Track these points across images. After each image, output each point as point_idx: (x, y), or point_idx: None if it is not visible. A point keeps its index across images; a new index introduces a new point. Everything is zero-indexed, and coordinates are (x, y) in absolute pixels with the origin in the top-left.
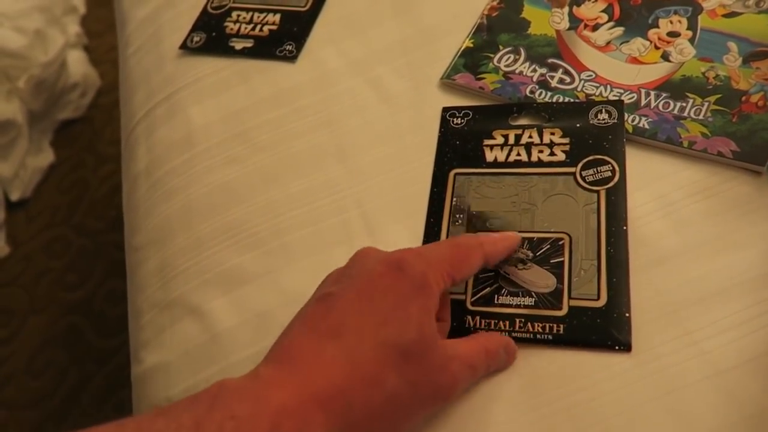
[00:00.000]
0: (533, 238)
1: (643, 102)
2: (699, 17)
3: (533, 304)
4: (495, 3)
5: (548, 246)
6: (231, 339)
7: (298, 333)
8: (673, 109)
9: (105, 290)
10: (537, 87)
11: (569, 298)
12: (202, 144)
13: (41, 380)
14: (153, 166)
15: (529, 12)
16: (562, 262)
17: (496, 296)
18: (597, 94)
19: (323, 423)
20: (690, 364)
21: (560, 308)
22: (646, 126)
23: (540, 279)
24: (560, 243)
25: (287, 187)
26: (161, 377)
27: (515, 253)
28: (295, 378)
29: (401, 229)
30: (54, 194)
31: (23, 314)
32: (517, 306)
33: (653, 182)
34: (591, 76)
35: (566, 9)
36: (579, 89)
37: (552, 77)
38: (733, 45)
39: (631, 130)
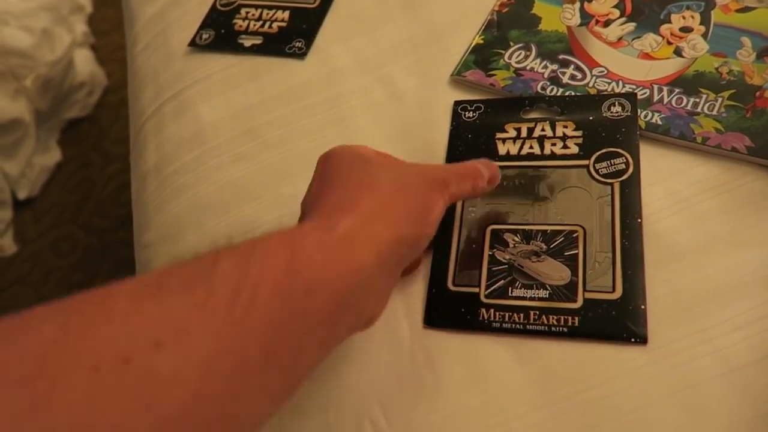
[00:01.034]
0: (547, 230)
1: (656, 98)
2: (712, 12)
3: (547, 296)
4: None
5: (562, 238)
6: None
7: (338, 190)
8: (686, 105)
9: None
10: (548, 83)
11: (584, 290)
12: (211, 141)
13: None
14: (162, 163)
15: (540, 8)
16: (577, 254)
17: (510, 289)
18: (609, 90)
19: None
20: (705, 360)
21: (575, 301)
22: (659, 122)
23: (554, 271)
24: (574, 235)
25: (297, 183)
26: None
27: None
28: (374, 224)
29: None
30: (61, 193)
31: None
32: (532, 299)
33: (667, 178)
34: (603, 72)
35: (577, 5)
36: (591, 85)
37: (563, 73)
38: (746, 40)
39: (644, 126)
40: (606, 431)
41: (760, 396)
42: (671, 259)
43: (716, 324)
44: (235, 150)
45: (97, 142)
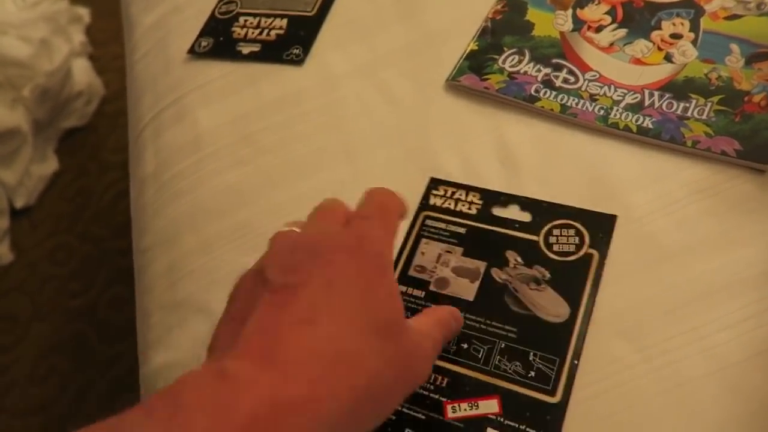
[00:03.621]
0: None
1: (647, 102)
2: (701, 19)
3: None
4: (499, 6)
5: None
6: None
7: (262, 326)
8: (677, 109)
9: (108, 297)
10: (542, 86)
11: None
12: (209, 147)
13: (45, 387)
14: (161, 169)
15: (533, 15)
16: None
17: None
18: (601, 93)
19: (304, 426)
20: (696, 359)
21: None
22: (650, 126)
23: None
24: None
25: (294, 188)
26: (169, 377)
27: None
28: (269, 375)
29: (405, 229)
30: (58, 202)
31: (27, 321)
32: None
33: (657, 181)
34: (595, 76)
35: (570, 11)
36: (583, 89)
37: (556, 77)
38: (735, 47)
39: (635, 130)
40: (597, 429)
41: (749, 393)
42: (662, 260)
43: (706, 323)
44: (233, 155)
45: (94, 152)
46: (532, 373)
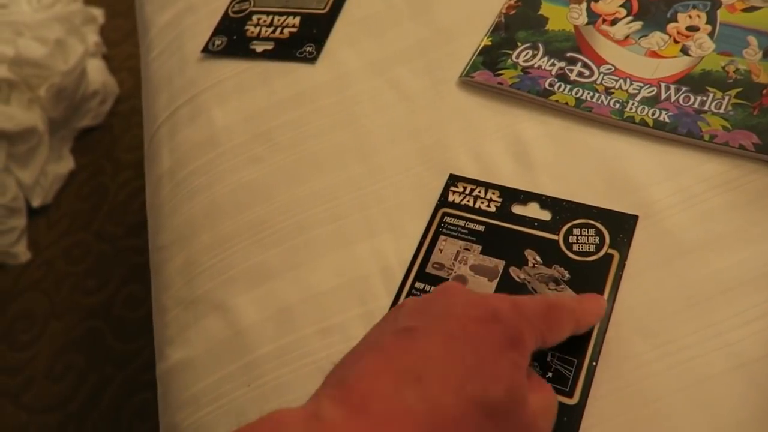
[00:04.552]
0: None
1: (663, 96)
2: (718, 12)
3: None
4: (513, 1)
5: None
6: (255, 334)
7: (372, 369)
8: (694, 103)
9: (124, 295)
10: (556, 80)
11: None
12: (224, 144)
13: (61, 384)
14: (177, 166)
15: (547, 9)
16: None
17: None
18: (616, 87)
19: None
20: (715, 355)
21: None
22: (667, 120)
23: None
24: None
25: (309, 184)
26: (186, 373)
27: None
28: (364, 427)
29: (422, 225)
30: (74, 201)
31: (44, 319)
32: None
33: (675, 176)
34: (610, 69)
35: (584, 4)
36: (598, 82)
37: (571, 71)
38: (752, 39)
39: (651, 124)
40: (616, 427)
41: None
42: (680, 255)
43: (725, 319)
44: (248, 152)
45: (109, 151)
46: (550, 374)
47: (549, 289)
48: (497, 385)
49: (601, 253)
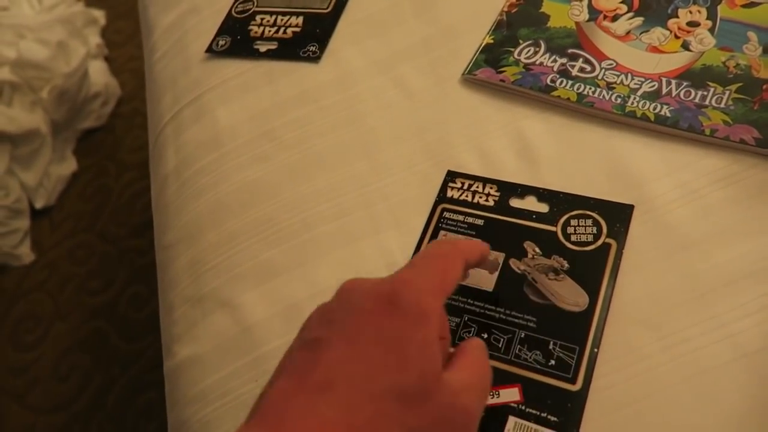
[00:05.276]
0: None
1: (665, 90)
2: (718, 7)
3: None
4: None
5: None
6: (262, 331)
7: (284, 388)
8: (695, 98)
9: (128, 295)
10: (558, 76)
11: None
12: (229, 143)
13: (67, 384)
14: (182, 166)
15: (548, 6)
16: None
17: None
18: (618, 82)
19: None
20: (718, 346)
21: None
22: (668, 114)
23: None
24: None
25: (314, 182)
26: (194, 370)
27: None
28: None
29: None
30: (77, 202)
31: (49, 320)
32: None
33: (676, 170)
34: (612, 64)
35: (585, 1)
36: (600, 77)
37: (573, 66)
38: (752, 35)
39: (652, 119)
40: (619, 418)
41: None
42: (682, 248)
43: (727, 311)
44: (253, 151)
45: (112, 152)
46: (553, 362)
47: (549, 279)
48: (407, 373)
49: (599, 243)
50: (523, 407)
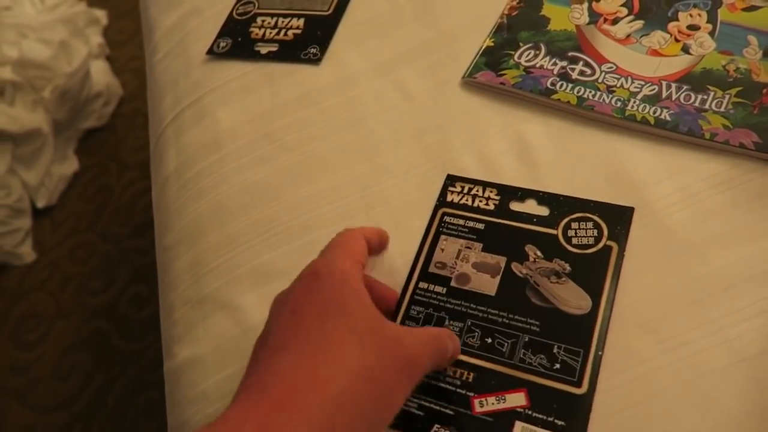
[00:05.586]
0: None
1: (665, 94)
2: (719, 11)
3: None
4: (515, 2)
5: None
6: None
7: (257, 353)
8: (695, 102)
9: (129, 295)
10: (558, 79)
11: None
12: (230, 145)
13: (68, 383)
14: (183, 167)
15: (548, 9)
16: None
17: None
18: (618, 85)
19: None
20: (717, 350)
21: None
22: (668, 118)
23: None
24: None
25: (315, 185)
26: (194, 371)
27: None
28: (264, 403)
29: (427, 225)
30: (78, 202)
31: (50, 319)
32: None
33: (676, 174)
34: (612, 68)
35: (585, 4)
36: (600, 81)
37: (573, 69)
38: (753, 38)
39: (652, 122)
40: (618, 422)
41: None
42: (681, 252)
43: (726, 315)
44: (254, 153)
45: (113, 152)
46: (557, 365)
47: (551, 282)
48: (350, 315)
49: (600, 245)
50: (530, 412)
